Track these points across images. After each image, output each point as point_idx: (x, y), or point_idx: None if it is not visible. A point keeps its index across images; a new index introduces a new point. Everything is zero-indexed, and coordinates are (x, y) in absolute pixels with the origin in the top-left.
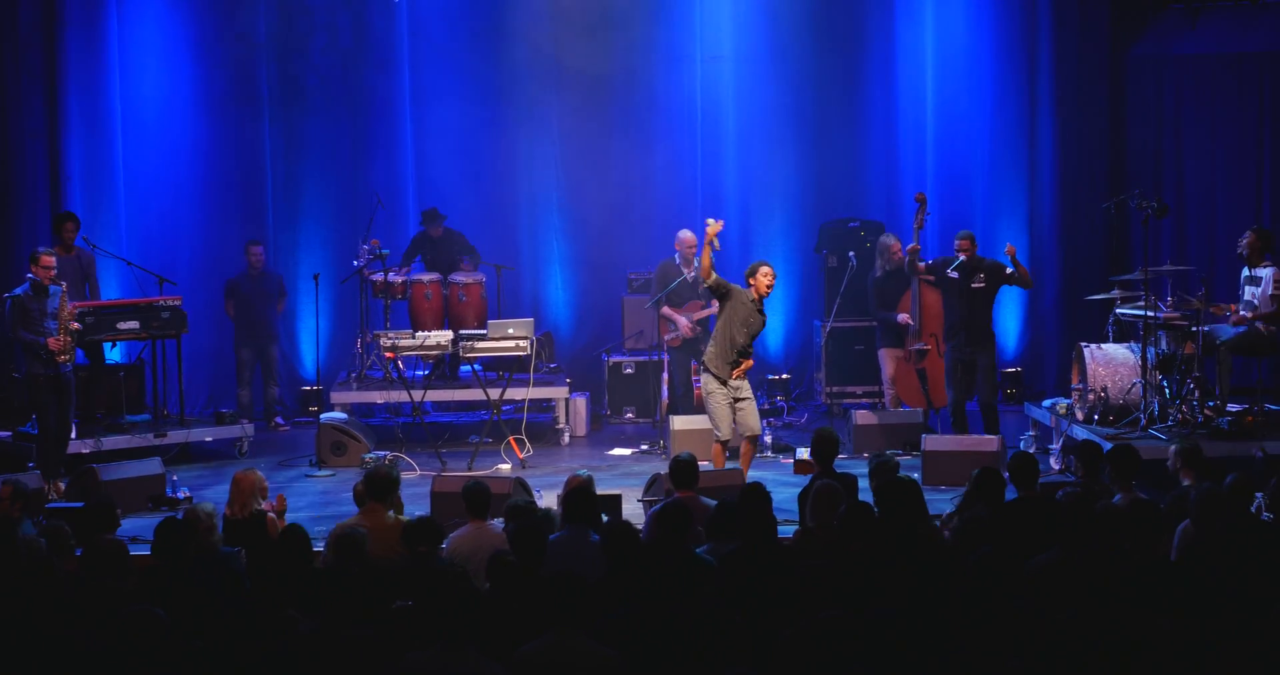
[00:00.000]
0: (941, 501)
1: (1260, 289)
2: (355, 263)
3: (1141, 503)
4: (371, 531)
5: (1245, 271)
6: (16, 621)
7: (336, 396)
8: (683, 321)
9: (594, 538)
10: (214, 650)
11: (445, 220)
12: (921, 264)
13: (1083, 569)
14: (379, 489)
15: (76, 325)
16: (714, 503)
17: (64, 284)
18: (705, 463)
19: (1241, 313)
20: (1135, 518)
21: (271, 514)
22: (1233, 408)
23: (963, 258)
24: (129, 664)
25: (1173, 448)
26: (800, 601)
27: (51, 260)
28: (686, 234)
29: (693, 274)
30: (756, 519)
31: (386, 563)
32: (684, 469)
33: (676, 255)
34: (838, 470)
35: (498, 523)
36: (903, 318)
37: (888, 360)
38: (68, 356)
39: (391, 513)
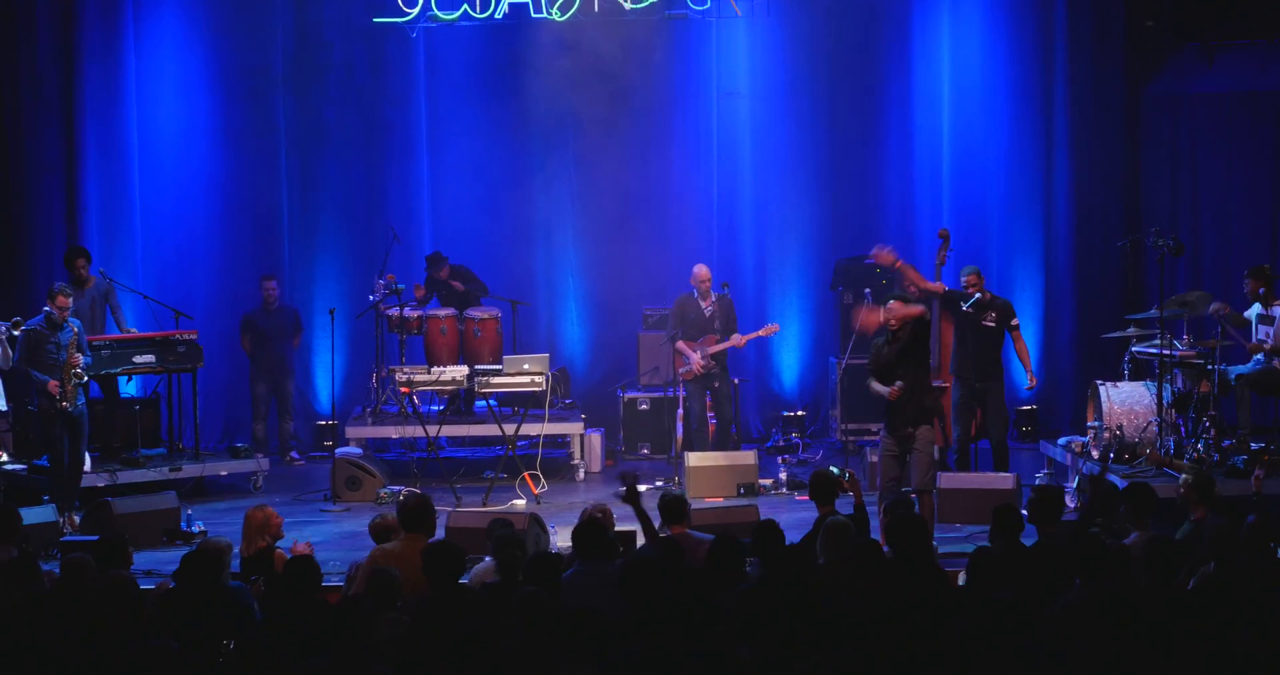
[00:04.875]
0: (956, 539)
1: (1275, 327)
2: (371, 298)
3: (1159, 540)
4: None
5: (1259, 310)
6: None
7: (352, 431)
8: (694, 356)
9: (609, 570)
10: None
11: (449, 261)
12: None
13: (1105, 607)
14: (416, 518)
15: (81, 373)
16: (709, 538)
17: (79, 325)
18: (717, 499)
19: (1253, 343)
20: (1154, 555)
21: (280, 549)
22: (1251, 446)
23: (977, 295)
24: None
25: (1183, 477)
26: (816, 639)
27: (68, 300)
28: (702, 269)
29: (709, 309)
30: (771, 556)
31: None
32: (673, 505)
33: (694, 290)
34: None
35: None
36: None
37: None
38: (68, 403)
39: None
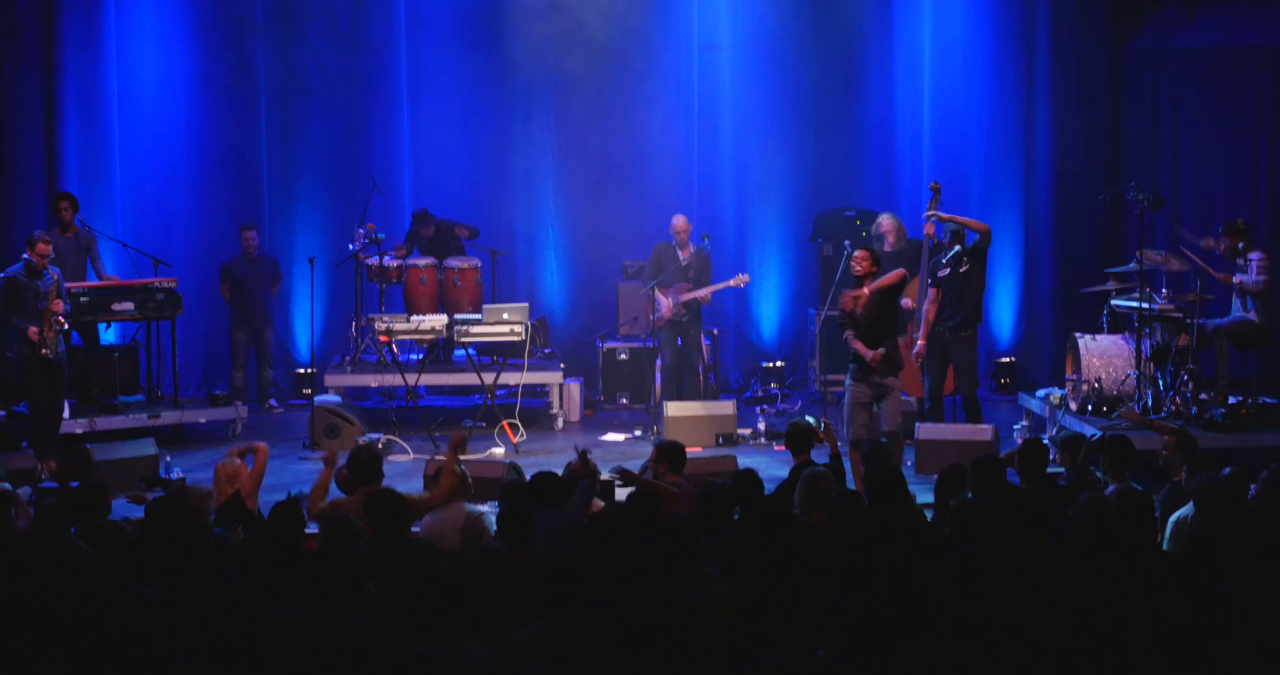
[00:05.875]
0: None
1: (1248, 272)
2: (351, 247)
3: (1133, 493)
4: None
5: (1239, 262)
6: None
7: (330, 379)
8: (665, 302)
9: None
10: (204, 632)
11: (436, 220)
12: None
13: (1065, 566)
14: (366, 472)
15: (62, 321)
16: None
17: (59, 271)
18: (696, 449)
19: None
20: (1128, 508)
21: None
22: (1229, 400)
23: (957, 248)
24: (121, 644)
25: (1164, 439)
26: (797, 587)
27: (48, 248)
28: (680, 219)
29: (685, 259)
30: (751, 505)
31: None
32: (673, 452)
33: (672, 239)
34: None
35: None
36: (905, 302)
37: None
38: (48, 350)
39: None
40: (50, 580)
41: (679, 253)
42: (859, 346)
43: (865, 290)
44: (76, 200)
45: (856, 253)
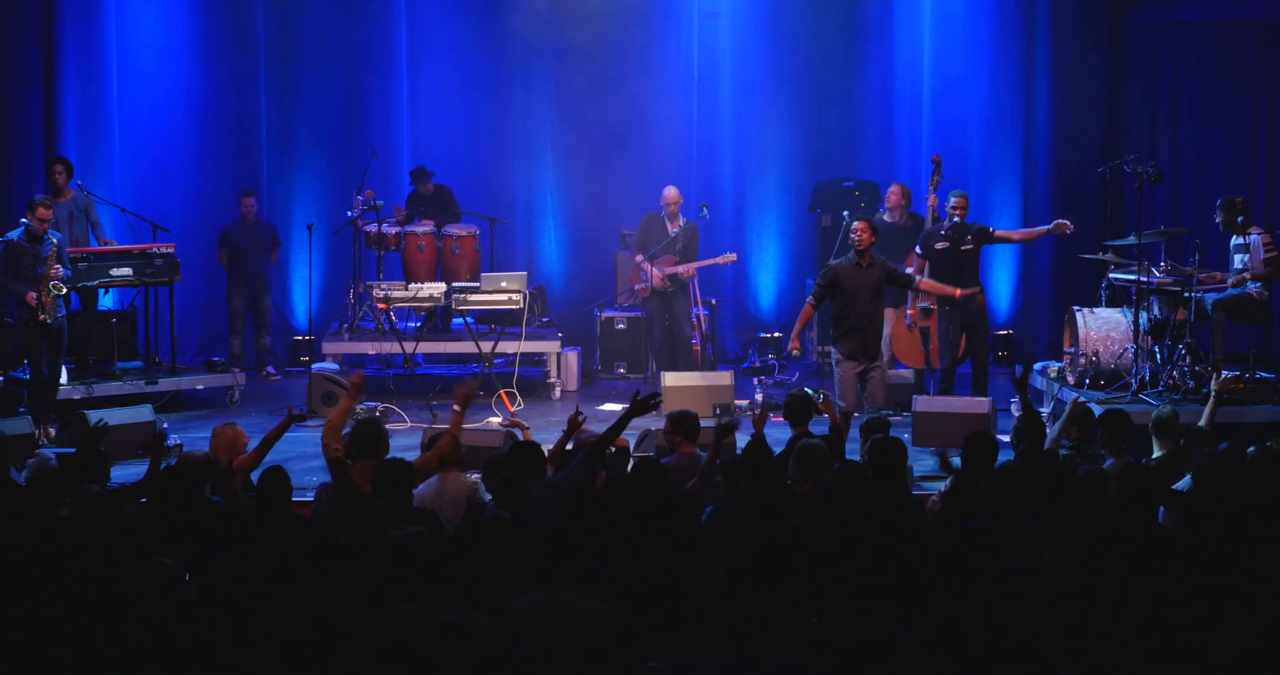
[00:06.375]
0: (932, 463)
1: (1250, 255)
2: (349, 214)
3: (1133, 467)
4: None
5: (1234, 239)
6: (10, 567)
7: (328, 347)
8: (655, 273)
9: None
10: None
11: (434, 177)
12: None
13: (1073, 536)
14: (368, 446)
15: (61, 286)
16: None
17: (60, 236)
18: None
19: (1234, 278)
20: (1128, 482)
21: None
22: (1225, 374)
23: (956, 218)
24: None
25: (1154, 415)
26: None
27: (48, 212)
28: (671, 191)
29: (675, 230)
30: (758, 475)
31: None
32: (687, 421)
33: (662, 210)
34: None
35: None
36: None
37: (887, 319)
38: (47, 315)
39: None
40: (52, 548)
41: (668, 224)
42: (940, 287)
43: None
44: (71, 165)
45: (856, 224)
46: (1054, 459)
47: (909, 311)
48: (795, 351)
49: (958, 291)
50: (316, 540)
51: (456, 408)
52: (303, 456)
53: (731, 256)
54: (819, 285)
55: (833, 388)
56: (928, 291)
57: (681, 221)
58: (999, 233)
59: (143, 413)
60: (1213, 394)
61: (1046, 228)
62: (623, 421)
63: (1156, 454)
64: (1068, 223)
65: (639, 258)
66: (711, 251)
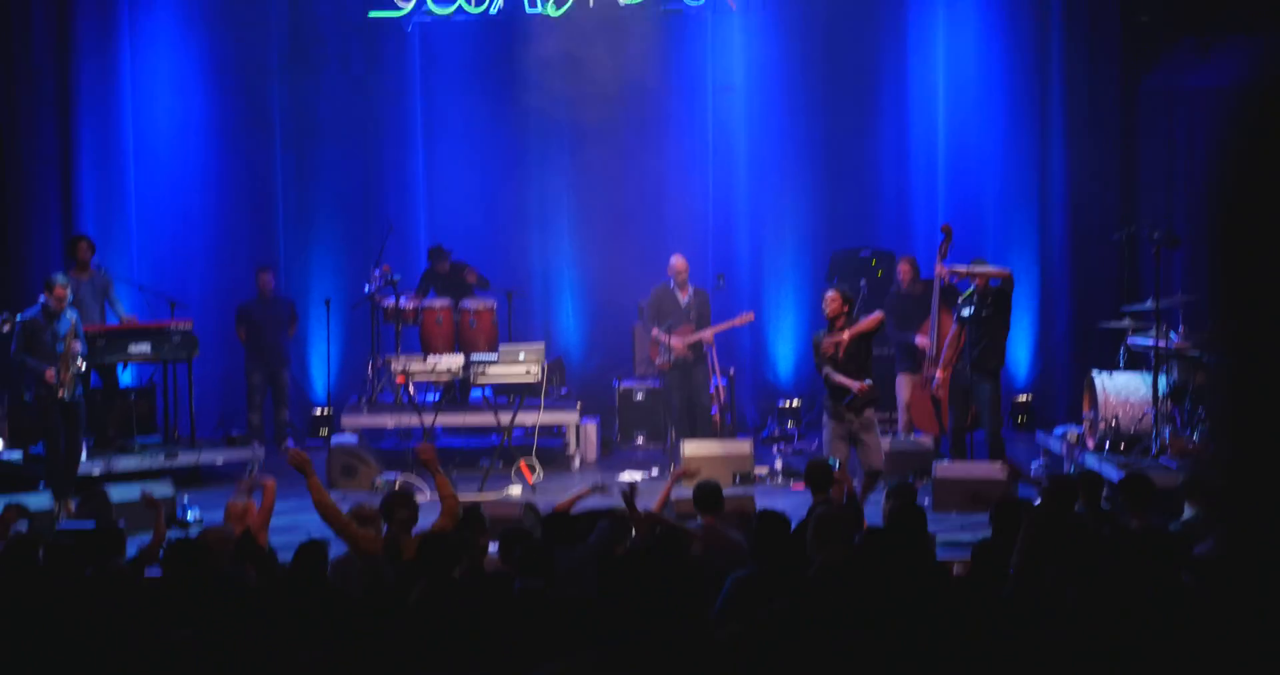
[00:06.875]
0: (952, 528)
1: None
2: (367, 288)
3: (1156, 531)
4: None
5: None
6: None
7: (347, 420)
8: (675, 342)
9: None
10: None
11: (452, 256)
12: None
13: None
14: (405, 512)
15: (80, 363)
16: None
17: (77, 314)
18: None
19: None
20: (1151, 546)
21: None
22: None
23: (971, 286)
24: None
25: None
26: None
27: (65, 291)
28: (678, 260)
29: (686, 299)
30: (774, 546)
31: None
32: (709, 494)
33: (670, 281)
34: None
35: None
36: (921, 341)
37: (904, 385)
38: (65, 392)
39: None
40: (74, 622)
41: (678, 294)
42: (844, 380)
43: (845, 336)
44: (94, 242)
45: (828, 294)
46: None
47: (928, 374)
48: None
49: (859, 385)
50: (354, 613)
51: (432, 472)
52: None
53: (749, 316)
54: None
55: (852, 455)
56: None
57: (691, 289)
58: (964, 271)
59: (163, 488)
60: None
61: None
62: (666, 492)
63: (1187, 515)
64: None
65: (655, 331)
66: (729, 318)
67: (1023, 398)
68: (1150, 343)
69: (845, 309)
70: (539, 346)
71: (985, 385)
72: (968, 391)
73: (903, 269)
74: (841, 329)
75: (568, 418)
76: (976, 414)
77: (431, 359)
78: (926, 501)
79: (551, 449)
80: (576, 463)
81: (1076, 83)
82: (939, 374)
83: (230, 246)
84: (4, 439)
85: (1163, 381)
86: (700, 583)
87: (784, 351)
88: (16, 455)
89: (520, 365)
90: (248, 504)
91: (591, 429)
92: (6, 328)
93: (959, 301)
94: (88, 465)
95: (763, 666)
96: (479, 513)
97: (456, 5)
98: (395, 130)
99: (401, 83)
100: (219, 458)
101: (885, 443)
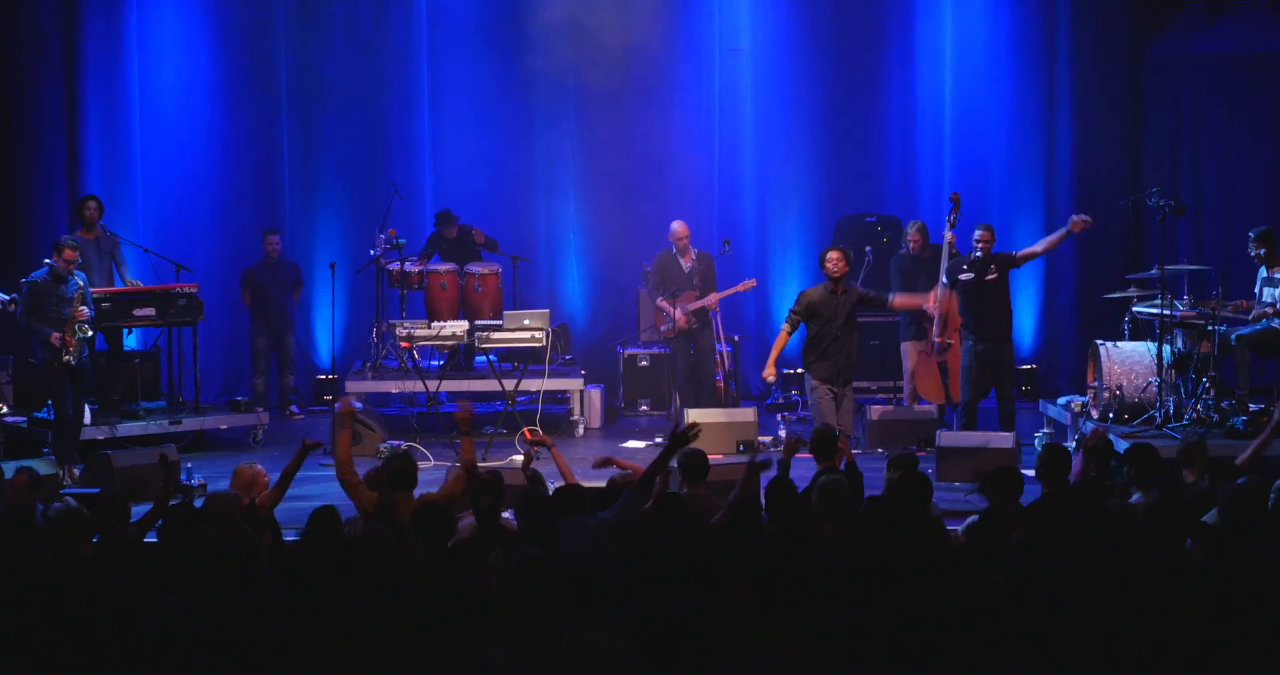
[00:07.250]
0: (955, 497)
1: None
2: (372, 252)
3: (1159, 504)
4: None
5: (1263, 272)
6: (36, 608)
7: (351, 385)
8: (676, 312)
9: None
10: (227, 638)
11: (459, 220)
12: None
13: (1097, 572)
14: (403, 478)
15: (86, 327)
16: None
17: (84, 277)
18: (716, 457)
19: (1258, 311)
20: (1157, 517)
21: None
22: (1250, 408)
23: (980, 252)
24: (146, 652)
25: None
26: (821, 596)
27: (74, 254)
28: (680, 225)
29: (689, 265)
30: (782, 512)
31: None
32: (695, 464)
33: (672, 247)
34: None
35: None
36: (929, 307)
37: (910, 353)
38: (71, 356)
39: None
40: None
41: (680, 260)
42: (912, 301)
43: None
44: (102, 203)
45: (830, 253)
46: (1080, 494)
47: (935, 339)
48: (770, 378)
49: (930, 299)
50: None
51: (463, 433)
52: (322, 499)
53: (751, 282)
54: (794, 312)
55: (855, 422)
56: (906, 308)
57: (694, 254)
58: (1020, 253)
59: (167, 453)
60: (1274, 425)
61: (1065, 230)
62: (665, 456)
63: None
64: (1085, 218)
65: (659, 299)
66: (733, 285)
67: (1027, 367)
68: (1155, 311)
69: (848, 268)
70: (544, 313)
71: (1005, 347)
72: (986, 363)
73: (912, 234)
74: (844, 293)
75: (572, 384)
76: (990, 380)
77: (436, 324)
78: (930, 471)
79: (556, 415)
80: (580, 429)
81: (1083, 49)
82: (939, 340)
83: (235, 209)
84: (8, 403)
85: (1167, 350)
86: (708, 549)
87: None
88: (21, 420)
89: (525, 331)
90: (258, 471)
91: (595, 396)
92: (13, 308)
93: (962, 267)
94: (91, 430)
95: (769, 634)
96: (498, 478)
97: None
98: (401, 93)
99: (408, 44)
100: (223, 423)
101: (889, 412)
